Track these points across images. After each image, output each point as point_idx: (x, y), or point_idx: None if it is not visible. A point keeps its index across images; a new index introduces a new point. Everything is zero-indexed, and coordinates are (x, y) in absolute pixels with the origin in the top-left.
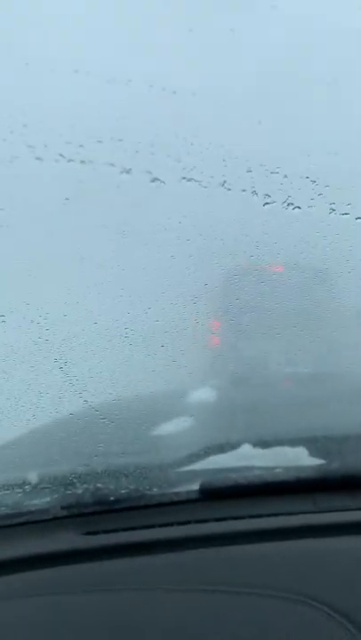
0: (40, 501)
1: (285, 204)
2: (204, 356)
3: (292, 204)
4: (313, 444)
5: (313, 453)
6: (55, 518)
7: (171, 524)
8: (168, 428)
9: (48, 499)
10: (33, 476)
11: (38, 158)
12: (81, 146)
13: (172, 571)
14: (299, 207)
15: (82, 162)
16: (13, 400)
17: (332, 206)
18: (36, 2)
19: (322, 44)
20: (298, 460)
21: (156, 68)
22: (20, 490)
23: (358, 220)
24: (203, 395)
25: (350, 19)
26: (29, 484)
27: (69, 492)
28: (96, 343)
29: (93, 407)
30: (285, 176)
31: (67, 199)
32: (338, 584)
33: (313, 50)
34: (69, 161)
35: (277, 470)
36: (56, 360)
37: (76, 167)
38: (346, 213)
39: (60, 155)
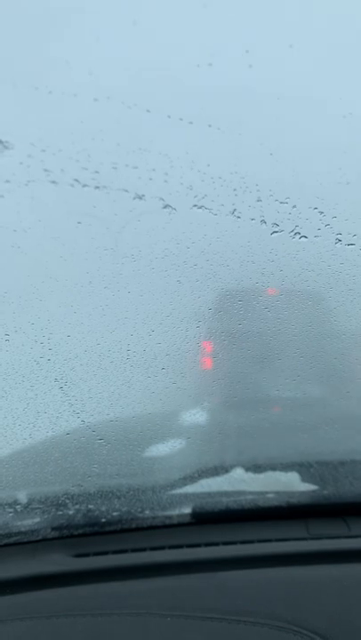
0: (31, 522)
1: (293, 234)
2: (202, 378)
3: (299, 233)
4: (306, 469)
5: (306, 479)
6: (45, 539)
7: (162, 548)
8: (162, 449)
9: (38, 519)
10: (24, 496)
11: (53, 182)
12: (96, 172)
13: (162, 595)
14: (305, 237)
15: (96, 187)
16: (11, 419)
17: (339, 237)
18: (58, 30)
19: (337, 76)
20: (291, 485)
21: (174, 99)
22: (11, 509)
23: None
24: (198, 417)
25: None
26: (20, 503)
27: (61, 512)
28: (97, 364)
29: (90, 427)
30: (294, 206)
31: (79, 222)
32: (329, 612)
33: (327, 81)
34: (84, 186)
35: (270, 495)
36: (56, 380)
37: (91, 192)
38: (351, 244)
39: (76, 180)
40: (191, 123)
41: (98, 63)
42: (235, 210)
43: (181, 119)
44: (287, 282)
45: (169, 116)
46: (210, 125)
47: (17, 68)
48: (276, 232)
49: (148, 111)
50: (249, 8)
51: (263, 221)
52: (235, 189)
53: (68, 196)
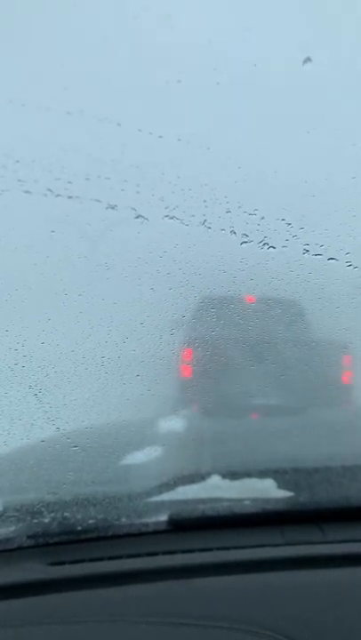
0: (5, 530)
1: (262, 244)
2: (177, 385)
3: (267, 243)
4: (282, 476)
5: (282, 486)
6: (20, 548)
7: (138, 556)
8: (138, 457)
9: (13, 527)
10: None
11: (27, 192)
12: (69, 182)
13: (139, 603)
14: (274, 247)
15: (69, 197)
16: None
17: (306, 247)
18: (33, 46)
19: (302, 94)
20: (266, 492)
21: (145, 114)
22: None
23: (330, 261)
24: (174, 424)
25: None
26: None
27: (36, 520)
28: (72, 371)
29: (65, 434)
30: (263, 218)
31: (52, 231)
32: (303, 617)
33: (293, 98)
34: (57, 196)
35: (246, 502)
36: (31, 387)
37: (64, 201)
38: (319, 254)
39: (49, 189)
40: (161, 137)
41: (71, 78)
42: (205, 220)
43: (151, 133)
44: (258, 290)
45: (139, 130)
46: (179, 139)
47: None
48: (245, 242)
49: (118, 124)
50: (216, 26)
51: (233, 232)
52: (205, 201)
53: (41, 205)
